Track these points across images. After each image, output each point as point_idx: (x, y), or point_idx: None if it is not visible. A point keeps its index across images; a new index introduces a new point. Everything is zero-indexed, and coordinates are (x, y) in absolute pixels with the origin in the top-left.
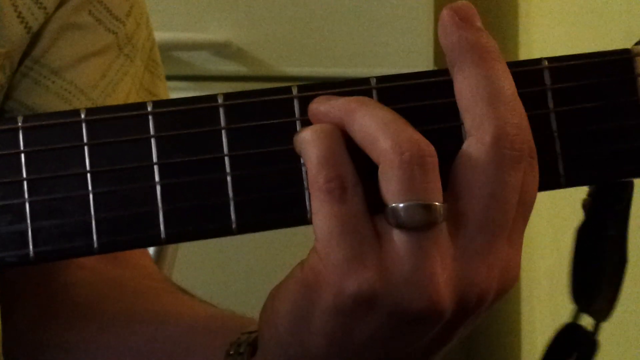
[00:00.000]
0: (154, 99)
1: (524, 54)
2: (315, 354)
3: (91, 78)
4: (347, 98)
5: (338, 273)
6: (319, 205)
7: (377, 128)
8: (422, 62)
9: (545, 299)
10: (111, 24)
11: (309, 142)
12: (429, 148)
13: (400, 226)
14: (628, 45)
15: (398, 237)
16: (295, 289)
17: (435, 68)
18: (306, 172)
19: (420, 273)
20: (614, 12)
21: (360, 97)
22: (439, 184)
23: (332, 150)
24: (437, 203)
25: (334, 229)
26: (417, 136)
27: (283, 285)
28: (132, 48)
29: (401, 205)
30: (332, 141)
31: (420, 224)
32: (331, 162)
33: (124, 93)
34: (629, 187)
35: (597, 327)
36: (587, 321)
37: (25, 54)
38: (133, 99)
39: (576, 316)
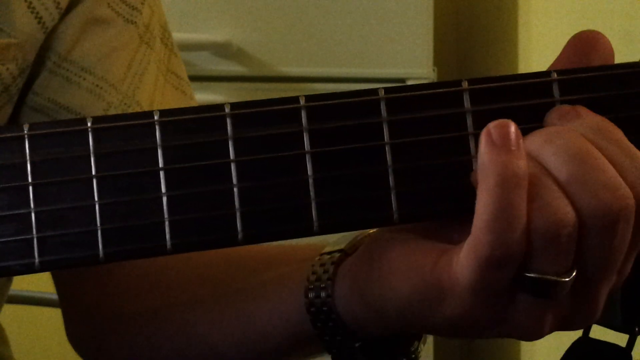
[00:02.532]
0: (180, 81)
1: (523, 54)
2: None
3: (119, 71)
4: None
5: (470, 321)
6: (475, 265)
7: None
8: (421, 62)
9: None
10: (129, 14)
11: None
12: (570, 221)
13: (529, 293)
14: (627, 46)
15: (524, 299)
16: (420, 289)
17: (435, 68)
18: (312, 184)
19: (534, 327)
20: (612, 12)
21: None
22: (570, 258)
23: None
24: (565, 279)
25: (482, 289)
26: (563, 205)
27: (403, 264)
28: (150, 35)
29: (533, 275)
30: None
31: (549, 296)
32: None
33: (151, 82)
34: None
35: (632, 342)
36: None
37: (44, 48)
38: (161, 85)
39: (632, 345)
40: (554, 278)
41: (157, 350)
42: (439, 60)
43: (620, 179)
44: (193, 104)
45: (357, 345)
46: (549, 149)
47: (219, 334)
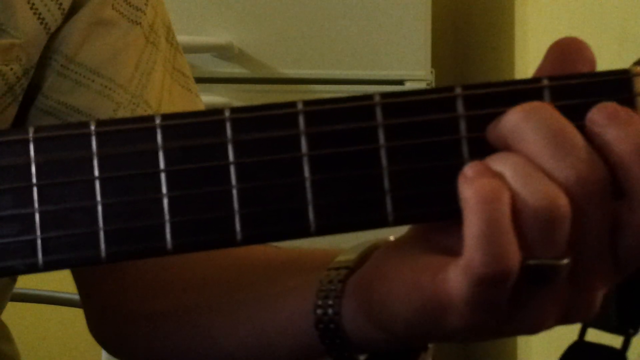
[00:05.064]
0: (186, 79)
1: (520, 55)
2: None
3: (127, 72)
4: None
5: (475, 330)
6: (470, 283)
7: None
8: (419, 63)
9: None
10: (133, 15)
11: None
12: (562, 202)
13: (529, 282)
14: (623, 46)
15: (525, 291)
16: (422, 309)
17: (432, 69)
18: (309, 186)
19: (537, 321)
20: (609, 13)
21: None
22: (565, 242)
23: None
24: (563, 262)
25: (480, 304)
26: (551, 189)
27: (402, 286)
28: (155, 35)
29: (531, 262)
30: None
31: (548, 281)
32: (492, 242)
33: (159, 81)
34: None
35: (627, 343)
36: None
37: (49, 49)
38: (168, 83)
39: (627, 346)
40: (553, 262)
41: (174, 351)
42: (436, 61)
43: (594, 153)
44: (198, 101)
45: (363, 358)
46: (528, 125)
47: (233, 340)
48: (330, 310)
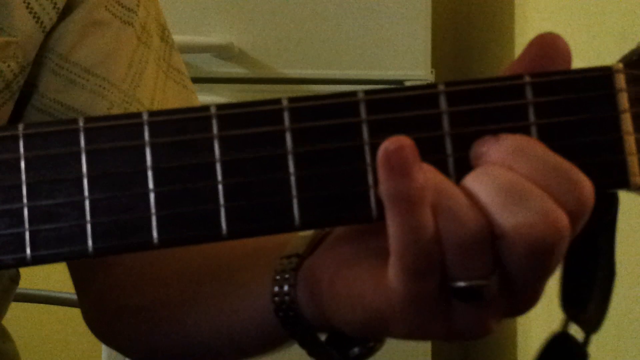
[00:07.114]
0: (181, 76)
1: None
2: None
3: (120, 71)
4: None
5: (420, 333)
6: (404, 276)
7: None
8: (419, 64)
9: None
10: (125, 16)
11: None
12: (477, 229)
13: (460, 300)
14: (623, 46)
15: (459, 306)
16: (365, 319)
17: (432, 69)
18: (293, 181)
19: (479, 327)
20: (609, 13)
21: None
22: (489, 263)
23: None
24: (485, 282)
25: (412, 301)
26: (469, 216)
27: (346, 296)
28: (147, 35)
29: (454, 285)
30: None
31: (477, 299)
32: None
33: (151, 80)
34: (615, 200)
35: (587, 338)
36: (577, 333)
37: (44, 48)
38: (162, 81)
39: (566, 325)
40: (474, 283)
41: (156, 344)
42: (436, 61)
43: (552, 202)
44: (194, 98)
45: (326, 340)
46: (478, 185)
47: (205, 331)
48: (287, 298)
